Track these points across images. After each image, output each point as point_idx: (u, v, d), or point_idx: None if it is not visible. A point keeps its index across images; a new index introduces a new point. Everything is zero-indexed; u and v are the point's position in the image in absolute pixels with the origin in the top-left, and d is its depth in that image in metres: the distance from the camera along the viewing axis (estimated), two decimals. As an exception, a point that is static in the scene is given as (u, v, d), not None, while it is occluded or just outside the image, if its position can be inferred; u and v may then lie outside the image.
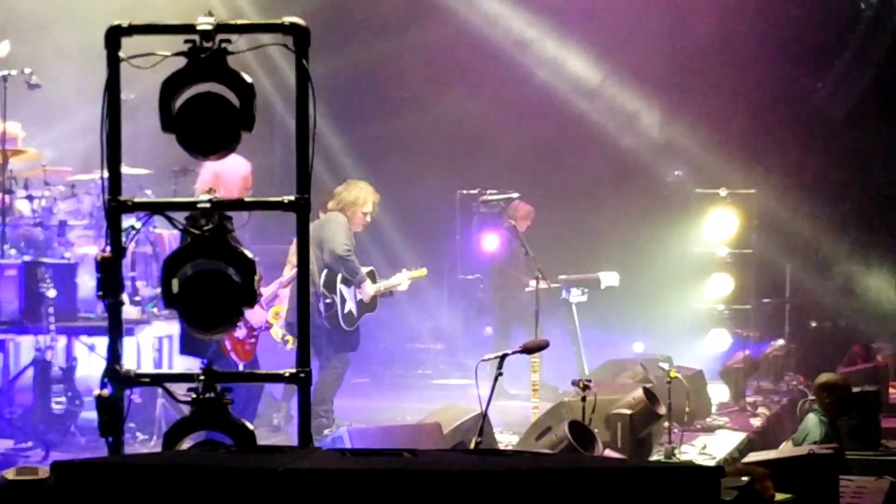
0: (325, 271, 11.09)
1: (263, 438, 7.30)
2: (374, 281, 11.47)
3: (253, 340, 9.29)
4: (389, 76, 17.06)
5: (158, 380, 6.65)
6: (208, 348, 8.64)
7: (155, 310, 11.28)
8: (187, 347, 9.00)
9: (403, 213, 16.06)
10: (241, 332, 9.09)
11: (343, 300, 11.14)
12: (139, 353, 11.48)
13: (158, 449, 7.54)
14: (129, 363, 6.13)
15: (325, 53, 12.92)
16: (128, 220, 6.21)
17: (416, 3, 16.60)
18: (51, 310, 10.47)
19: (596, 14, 16.88)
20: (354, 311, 11.25)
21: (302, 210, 5.98)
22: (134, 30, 5.99)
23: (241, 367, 9.04)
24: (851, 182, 17.92)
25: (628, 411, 9.63)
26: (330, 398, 11.16)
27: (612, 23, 16.90)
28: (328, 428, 10.67)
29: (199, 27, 5.84)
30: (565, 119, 17.14)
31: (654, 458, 9.84)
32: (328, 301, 11.03)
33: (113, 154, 6.01)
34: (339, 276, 11.14)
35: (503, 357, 7.95)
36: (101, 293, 6.04)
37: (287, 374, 6.05)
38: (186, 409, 6.04)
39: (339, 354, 11.21)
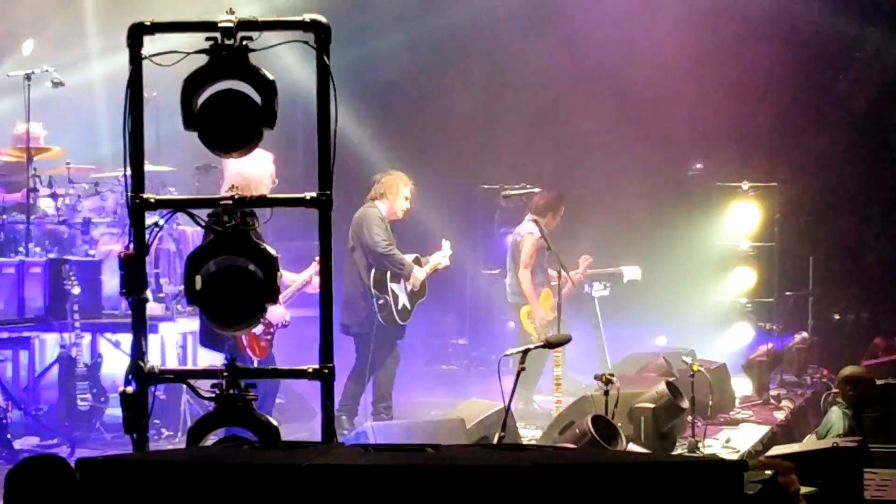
0: (372, 270, 10.97)
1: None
2: (420, 266, 11.37)
3: (269, 337, 9.25)
4: (409, 70, 17.04)
5: (183, 376, 6.68)
6: (226, 342, 8.65)
7: (179, 307, 11.30)
8: (206, 340, 9.01)
9: (425, 207, 16.06)
10: (257, 329, 9.07)
11: (396, 297, 11.04)
12: (163, 350, 11.52)
13: (183, 445, 7.57)
14: (153, 360, 6.14)
15: (345, 49, 12.94)
16: (151, 218, 6.24)
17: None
18: (75, 307, 10.52)
19: (618, 7, 16.84)
20: (408, 304, 11.17)
21: (324, 206, 6.00)
22: (156, 28, 6.02)
23: (255, 364, 9.01)
24: (874, 173, 17.84)
25: (651, 405, 9.61)
26: (388, 393, 11.08)
27: (634, 16, 16.87)
28: None
29: (220, 24, 5.87)
30: (587, 115, 17.11)
31: (677, 451, 9.83)
32: (381, 302, 10.93)
33: (136, 152, 6.04)
34: (389, 275, 11.00)
35: (526, 351, 7.95)
36: (124, 290, 6.08)
37: (310, 371, 6.07)
38: (211, 406, 6.07)
39: (392, 349, 11.17)
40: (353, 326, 11.10)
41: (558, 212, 13.10)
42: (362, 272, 11.01)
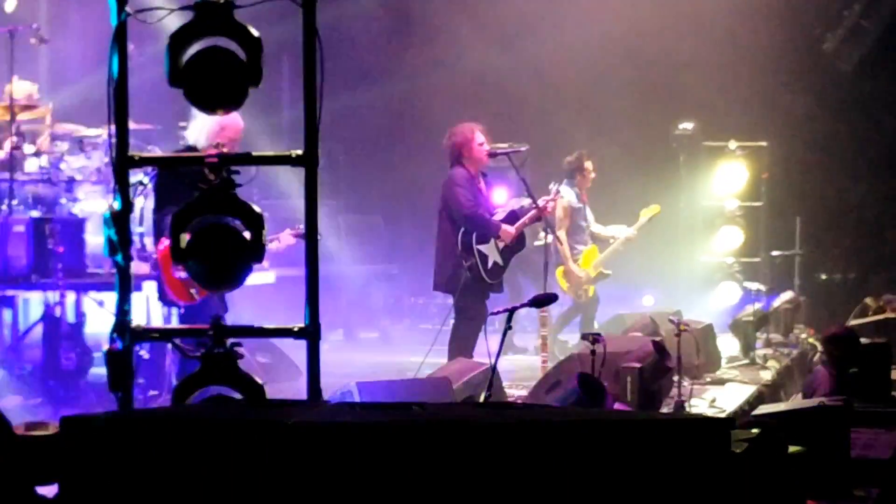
0: (461, 231, 10.93)
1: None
2: (513, 222, 11.14)
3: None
4: (398, 31, 16.98)
5: (167, 335, 6.65)
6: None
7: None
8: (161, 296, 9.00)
9: (414, 163, 16.03)
10: (183, 273, 8.59)
11: (484, 257, 10.94)
12: (148, 309, 11.46)
13: (168, 404, 7.53)
14: (138, 318, 6.11)
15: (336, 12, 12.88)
16: (136, 176, 6.20)
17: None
18: (59, 266, 10.47)
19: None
20: (499, 260, 11.05)
21: (310, 164, 5.97)
22: (141, -17, 5.97)
23: (182, 308, 8.79)
24: (862, 133, 17.84)
25: (638, 365, 9.61)
26: (469, 353, 10.83)
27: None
28: None
29: (206, -19, 5.82)
30: (572, 74, 17.07)
31: (663, 411, 9.84)
32: (468, 263, 10.84)
33: (120, 109, 6.00)
34: (475, 236, 10.91)
35: (512, 311, 7.92)
36: (109, 249, 6.04)
37: (296, 329, 6.05)
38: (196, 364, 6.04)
39: (476, 305, 10.97)
40: (441, 284, 11.19)
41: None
42: (450, 233, 10.98)
